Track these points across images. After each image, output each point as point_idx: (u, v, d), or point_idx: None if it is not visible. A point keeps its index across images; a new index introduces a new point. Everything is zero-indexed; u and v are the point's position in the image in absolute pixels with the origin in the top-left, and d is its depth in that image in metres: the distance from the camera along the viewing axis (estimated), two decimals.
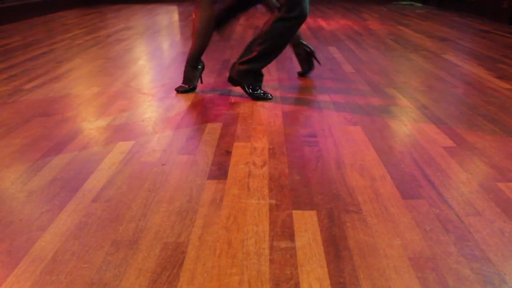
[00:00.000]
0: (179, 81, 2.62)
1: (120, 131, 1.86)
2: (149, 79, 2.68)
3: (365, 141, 1.73)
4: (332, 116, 2.01)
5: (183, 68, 2.94)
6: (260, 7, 2.66)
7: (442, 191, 1.35)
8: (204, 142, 1.74)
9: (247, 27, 4.72)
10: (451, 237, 1.13)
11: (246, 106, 2.16)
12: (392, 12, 5.91)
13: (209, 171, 1.49)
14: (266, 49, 2.17)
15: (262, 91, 2.26)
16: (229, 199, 1.31)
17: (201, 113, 2.06)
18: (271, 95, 2.26)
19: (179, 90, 2.39)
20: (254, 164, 1.54)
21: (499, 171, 1.48)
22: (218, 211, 1.25)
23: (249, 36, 4.12)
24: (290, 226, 1.18)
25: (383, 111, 2.06)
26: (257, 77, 2.27)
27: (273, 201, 1.30)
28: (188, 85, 2.39)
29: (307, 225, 1.18)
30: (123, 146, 1.71)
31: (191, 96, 2.33)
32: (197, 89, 2.44)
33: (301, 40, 2.57)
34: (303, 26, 4.64)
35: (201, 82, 2.47)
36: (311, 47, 2.60)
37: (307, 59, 2.64)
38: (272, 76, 2.71)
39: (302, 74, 2.69)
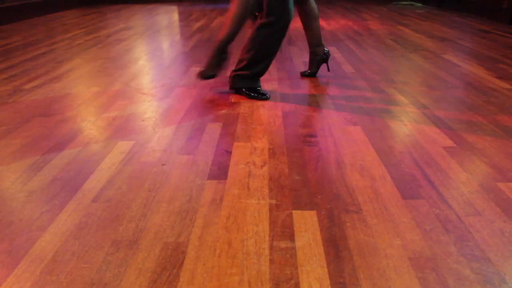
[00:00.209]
0: (179, 81, 2.62)
1: (120, 131, 1.86)
2: (149, 79, 2.68)
3: (365, 141, 1.73)
4: (332, 116, 2.01)
5: (183, 68, 2.94)
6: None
7: (442, 191, 1.35)
8: (204, 142, 1.74)
9: (248, 27, 4.72)
10: (451, 237, 1.13)
11: (246, 106, 2.16)
12: (392, 12, 5.91)
13: (209, 171, 1.49)
14: (255, 56, 2.19)
15: (259, 93, 2.26)
16: (229, 199, 1.31)
17: (201, 113, 2.07)
18: (268, 95, 2.27)
19: (201, 75, 2.38)
20: (254, 164, 1.54)
21: (499, 171, 1.48)
22: (218, 211, 1.25)
23: None
24: (290, 226, 1.18)
25: (383, 111, 2.06)
26: (254, 80, 2.27)
27: (273, 201, 1.30)
28: (209, 71, 2.38)
29: (307, 225, 1.18)
30: (123, 146, 1.71)
31: (191, 96, 2.33)
32: (197, 89, 2.44)
33: (322, 42, 2.58)
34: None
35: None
36: (328, 53, 2.61)
37: (318, 62, 2.64)
38: (272, 76, 2.71)
39: (306, 75, 2.69)
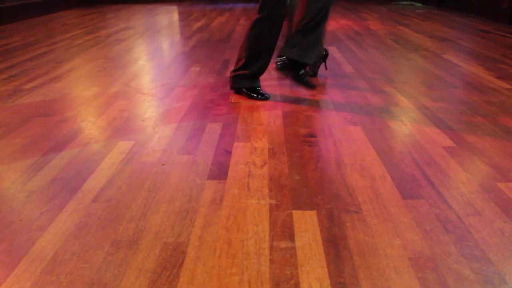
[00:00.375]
0: (179, 81, 2.62)
1: (120, 131, 1.86)
2: (149, 79, 2.68)
3: (365, 141, 1.73)
4: (332, 116, 2.01)
5: (183, 68, 2.94)
6: None
7: (442, 191, 1.35)
8: (204, 142, 1.74)
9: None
10: (451, 237, 1.13)
11: (246, 106, 2.16)
12: (392, 12, 5.91)
13: (209, 171, 1.49)
14: (252, 53, 2.19)
15: (259, 93, 2.26)
16: (229, 199, 1.31)
17: (201, 113, 2.07)
18: (268, 95, 2.27)
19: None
20: (254, 164, 1.54)
21: (499, 171, 1.48)
22: (218, 211, 1.25)
23: None
24: (290, 226, 1.18)
25: (383, 111, 2.07)
26: (254, 79, 2.27)
27: (273, 201, 1.30)
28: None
29: (307, 225, 1.18)
30: (123, 146, 1.71)
31: (191, 96, 2.33)
32: (197, 89, 2.45)
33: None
34: None
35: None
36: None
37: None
38: (272, 76, 2.71)
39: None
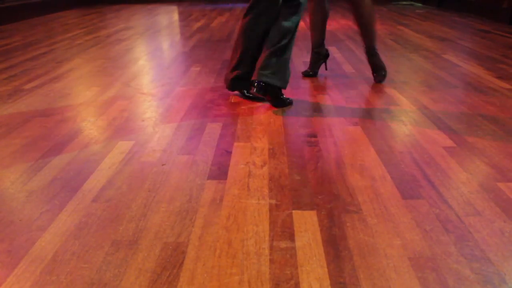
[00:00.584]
0: (179, 81, 2.62)
1: (120, 131, 1.86)
2: (149, 79, 2.68)
3: (365, 141, 1.73)
4: (332, 116, 2.01)
5: (183, 68, 2.95)
6: None
7: (442, 191, 1.35)
8: (204, 142, 1.74)
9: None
10: (451, 237, 1.13)
11: (246, 106, 2.16)
12: (392, 12, 5.91)
13: (209, 171, 1.49)
14: (243, 52, 2.19)
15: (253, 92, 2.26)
16: (229, 199, 1.31)
17: (201, 113, 2.06)
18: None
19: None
20: (254, 164, 1.54)
21: (499, 171, 1.48)
22: (218, 211, 1.25)
23: None
24: (290, 226, 1.18)
25: (383, 111, 2.06)
26: (246, 79, 2.27)
27: (273, 201, 1.30)
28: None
29: (307, 225, 1.18)
30: (123, 146, 1.71)
31: (191, 96, 2.33)
32: (197, 89, 2.44)
33: (324, 42, 2.62)
34: (304, 26, 4.65)
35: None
36: (329, 52, 2.68)
37: (320, 62, 2.67)
38: None
39: (309, 75, 2.70)
